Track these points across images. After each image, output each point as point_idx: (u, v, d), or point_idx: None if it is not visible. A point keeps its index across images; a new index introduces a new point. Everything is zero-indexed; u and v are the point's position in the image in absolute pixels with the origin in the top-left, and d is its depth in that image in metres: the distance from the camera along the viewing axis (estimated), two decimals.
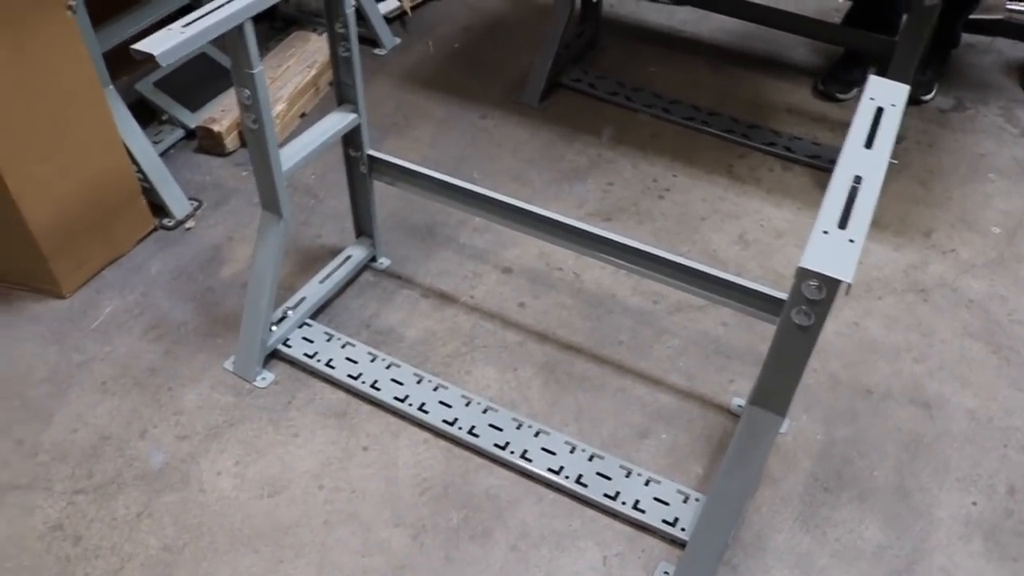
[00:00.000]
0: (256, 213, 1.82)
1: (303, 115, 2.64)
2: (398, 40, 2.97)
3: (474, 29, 3.07)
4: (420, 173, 1.95)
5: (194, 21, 1.48)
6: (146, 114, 2.54)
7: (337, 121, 1.90)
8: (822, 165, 2.50)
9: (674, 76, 2.87)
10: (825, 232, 1.24)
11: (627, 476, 1.74)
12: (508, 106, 2.72)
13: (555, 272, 2.20)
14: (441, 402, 1.87)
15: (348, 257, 2.14)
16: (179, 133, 2.54)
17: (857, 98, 1.49)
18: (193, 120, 2.53)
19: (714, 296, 1.73)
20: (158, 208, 2.29)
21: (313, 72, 2.65)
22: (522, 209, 1.87)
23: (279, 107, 2.52)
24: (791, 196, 2.44)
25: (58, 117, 1.93)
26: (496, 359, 2.00)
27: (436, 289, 2.15)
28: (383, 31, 2.90)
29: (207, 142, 2.49)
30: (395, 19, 3.02)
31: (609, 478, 1.74)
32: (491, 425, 1.83)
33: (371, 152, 1.99)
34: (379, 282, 2.17)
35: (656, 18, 3.16)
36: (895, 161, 2.53)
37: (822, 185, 2.47)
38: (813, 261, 1.20)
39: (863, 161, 1.35)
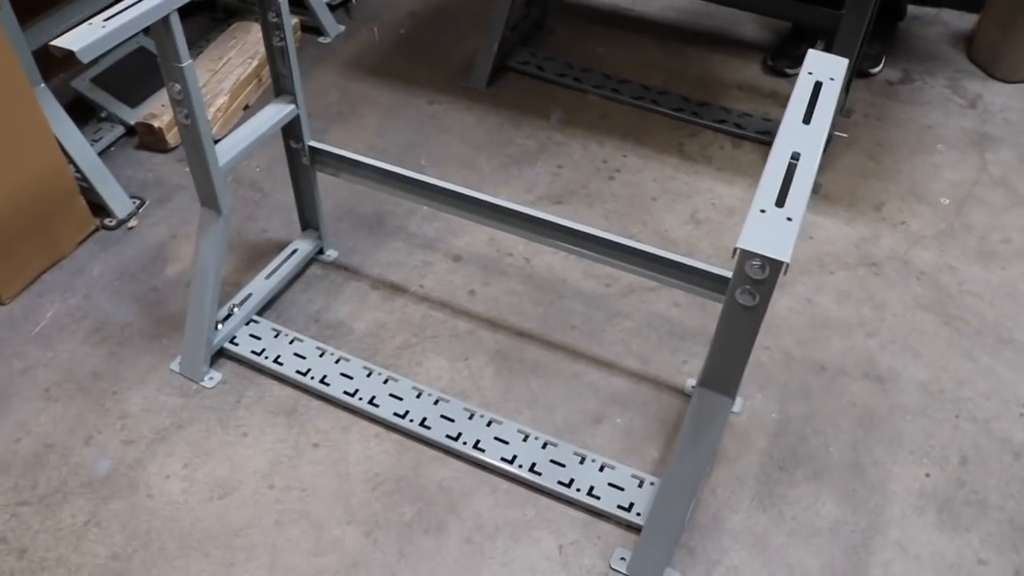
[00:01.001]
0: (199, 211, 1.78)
1: (246, 107, 2.59)
2: (342, 28, 2.92)
3: (420, 15, 3.02)
4: (363, 163, 1.91)
5: (117, 14, 1.43)
6: (85, 112, 2.48)
7: (275, 113, 1.86)
8: (771, 140, 2.48)
9: (623, 56, 2.84)
10: (763, 211, 1.22)
11: (581, 463, 1.73)
12: (456, 91, 2.68)
13: (505, 258, 2.18)
14: (392, 395, 1.85)
15: (294, 251, 2.11)
16: (119, 130, 2.47)
17: None
18: (133, 116, 2.47)
19: (664, 278, 1.72)
20: (99, 208, 2.24)
21: (255, 63, 2.59)
22: (469, 196, 1.84)
23: (220, 100, 2.46)
24: (741, 173, 2.43)
25: None
26: (447, 349, 1.97)
27: (385, 280, 2.12)
28: (327, 19, 2.85)
29: (148, 138, 2.43)
30: (339, 6, 2.96)
31: (563, 465, 1.72)
32: (443, 416, 1.81)
33: (312, 143, 1.95)
34: (327, 275, 2.13)
35: None
36: (844, 135, 2.53)
37: None
38: (751, 241, 1.18)
39: (801, 137, 1.34)
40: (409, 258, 2.17)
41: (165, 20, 1.50)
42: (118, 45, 2.47)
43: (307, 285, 2.11)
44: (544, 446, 1.75)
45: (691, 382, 1.91)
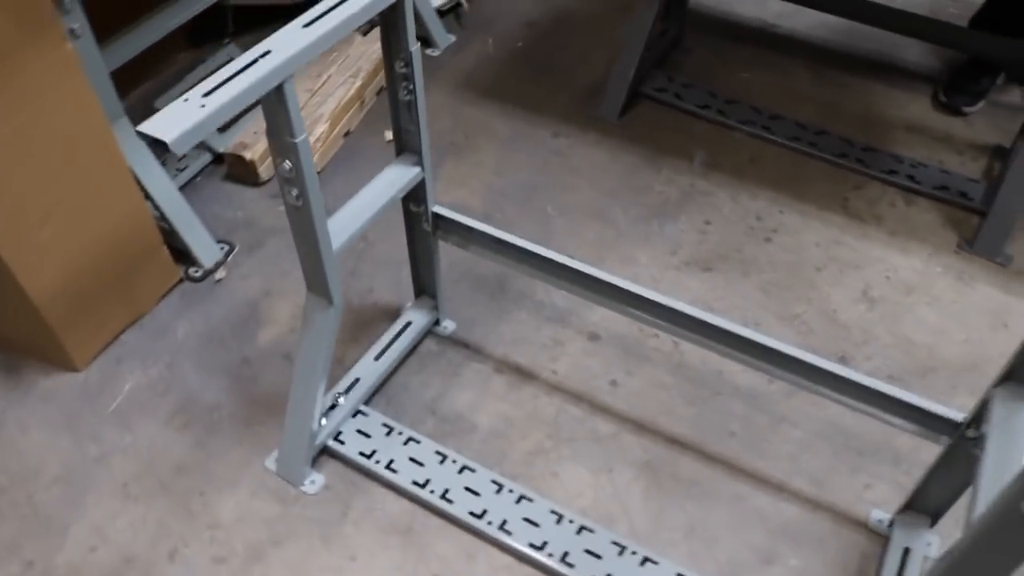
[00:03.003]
0: (296, 260, 1.49)
1: (347, 134, 2.29)
2: (453, 38, 2.59)
3: (539, 25, 2.68)
4: (496, 238, 1.62)
5: (218, 87, 1.13)
6: None
7: (398, 177, 1.56)
8: (950, 198, 2.14)
9: (770, 83, 2.48)
10: None
11: None
12: (582, 121, 2.35)
13: (650, 340, 1.87)
14: (526, 519, 1.56)
15: (407, 324, 1.82)
16: (206, 158, 2.20)
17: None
18: (222, 143, 2.19)
19: (852, 403, 1.43)
20: (182, 254, 1.97)
21: (358, 83, 2.28)
22: (617, 287, 1.54)
23: (320, 128, 2.17)
24: (918, 238, 2.08)
25: (59, 168, 1.60)
26: (587, 456, 1.68)
27: (511, 362, 1.83)
28: (436, 29, 2.52)
29: (238, 170, 2.15)
30: (449, 12, 2.63)
31: None
32: (587, 551, 1.52)
33: (437, 209, 1.65)
34: (443, 352, 1.84)
35: (746, 10, 2.76)
36: None
37: (953, 223, 2.11)
38: None
39: None
40: (537, 334, 1.88)
41: (279, 88, 1.20)
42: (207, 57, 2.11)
43: (421, 364, 1.82)
44: None
45: (877, 515, 1.60)
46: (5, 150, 1.48)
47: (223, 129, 2.21)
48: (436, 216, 1.66)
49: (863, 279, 2.00)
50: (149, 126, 1.08)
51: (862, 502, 1.63)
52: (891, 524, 1.58)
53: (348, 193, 1.51)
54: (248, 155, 2.10)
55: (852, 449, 1.70)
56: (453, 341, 1.86)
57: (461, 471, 1.62)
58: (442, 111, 2.37)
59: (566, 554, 1.52)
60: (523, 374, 1.81)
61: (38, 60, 1.48)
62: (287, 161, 1.29)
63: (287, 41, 1.20)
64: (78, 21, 1.67)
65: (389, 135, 2.29)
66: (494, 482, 1.61)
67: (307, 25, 1.24)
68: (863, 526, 1.60)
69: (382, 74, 2.31)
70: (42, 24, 1.48)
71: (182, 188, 2.11)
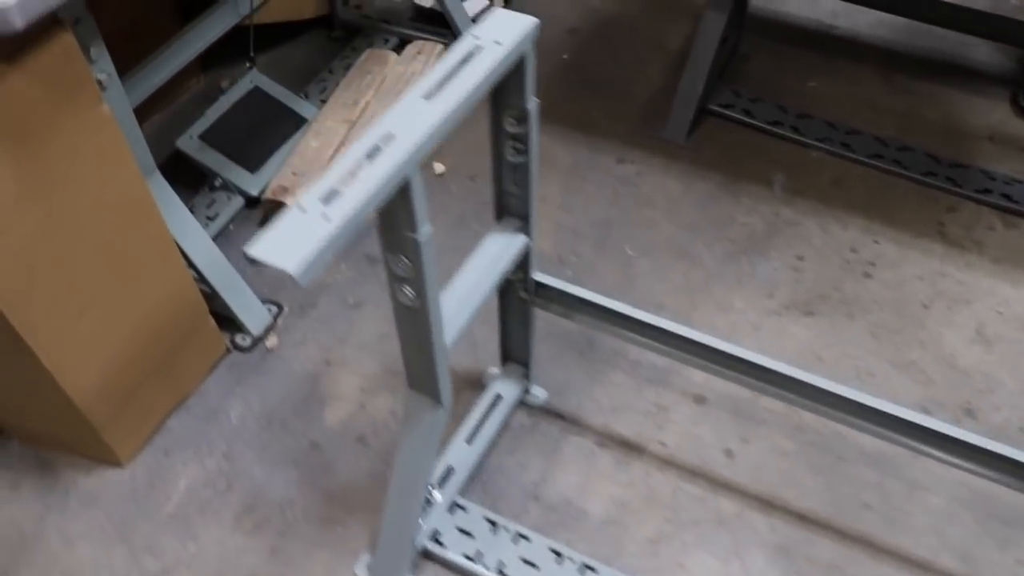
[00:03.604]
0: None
1: None
2: None
3: (583, 32, 2.46)
4: (607, 308, 1.43)
5: (336, 194, 0.92)
6: (190, 176, 1.96)
7: (503, 249, 1.35)
8: None
9: (840, 93, 2.30)
10: None
11: None
12: (647, 144, 2.15)
13: (761, 399, 1.69)
14: None
15: (497, 398, 1.62)
16: (238, 202, 1.95)
17: None
18: (255, 184, 1.95)
19: (993, 475, 1.31)
20: (226, 320, 1.74)
21: None
22: (744, 359, 1.38)
23: None
24: (1023, 266, 1.93)
25: (99, 245, 1.36)
26: (713, 541, 1.51)
27: (613, 433, 1.64)
28: None
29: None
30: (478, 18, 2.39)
31: None
32: None
33: (539, 277, 1.45)
34: (537, 425, 1.65)
35: (799, 9, 2.56)
36: None
37: None
38: None
39: None
40: (638, 399, 1.69)
41: (407, 182, 0.98)
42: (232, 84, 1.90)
43: (515, 442, 1.63)
44: None
45: None
46: (41, 234, 1.25)
47: (254, 168, 1.96)
48: (538, 285, 1.46)
49: (975, 316, 1.84)
50: (263, 251, 0.87)
51: None
52: None
53: None
54: (290, 201, 1.86)
55: (997, 517, 1.55)
56: (546, 411, 1.67)
57: (582, 572, 1.44)
58: None
59: None
60: (629, 447, 1.62)
61: (73, 127, 1.24)
62: (404, 257, 1.08)
63: (409, 120, 0.99)
64: (106, 70, 1.42)
65: (438, 167, 2.07)
66: None
67: (428, 97, 1.02)
68: None
69: None
70: (77, 85, 1.24)
71: (215, 239, 1.88)
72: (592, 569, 1.44)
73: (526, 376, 1.65)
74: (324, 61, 2.27)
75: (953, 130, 2.22)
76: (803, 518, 1.55)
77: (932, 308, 1.85)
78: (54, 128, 1.21)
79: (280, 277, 1.81)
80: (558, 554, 1.46)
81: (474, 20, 2.32)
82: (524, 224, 1.36)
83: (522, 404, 1.67)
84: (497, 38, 1.09)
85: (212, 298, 1.71)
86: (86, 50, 1.32)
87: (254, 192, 1.94)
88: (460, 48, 1.08)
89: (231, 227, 1.95)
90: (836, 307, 1.84)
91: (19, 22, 1.05)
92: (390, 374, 1.70)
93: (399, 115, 1.00)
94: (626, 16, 2.51)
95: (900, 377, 1.74)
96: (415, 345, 1.21)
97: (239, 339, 1.74)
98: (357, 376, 1.71)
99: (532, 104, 1.21)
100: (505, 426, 1.64)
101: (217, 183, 1.94)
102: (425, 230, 1.03)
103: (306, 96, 2.16)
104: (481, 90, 1.05)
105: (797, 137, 2.14)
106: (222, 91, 2.13)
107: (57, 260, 1.29)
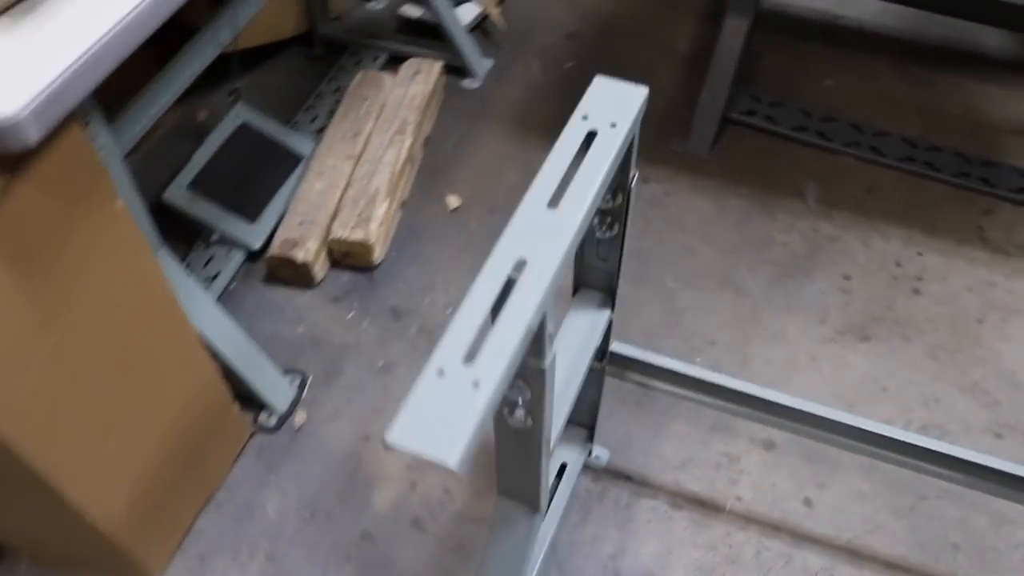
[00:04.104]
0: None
1: (403, 204, 1.89)
2: (491, 62, 2.18)
3: (583, 36, 2.30)
4: (687, 376, 1.31)
5: (478, 348, 0.77)
6: (178, 226, 1.75)
7: (590, 330, 1.21)
8: None
9: (857, 90, 2.20)
10: None
11: None
12: (670, 159, 2.02)
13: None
14: None
15: (563, 467, 1.49)
16: (238, 257, 1.77)
17: None
18: (255, 235, 1.76)
19: None
20: (246, 399, 1.57)
21: (407, 141, 1.88)
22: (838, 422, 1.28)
23: (380, 209, 1.76)
24: None
25: (123, 353, 1.18)
26: None
27: (685, 492, 1.53)
28: (472, 53, 2.12)
29: (286, 272, 1.73)
30: (475, 28, 2.22)
31: None
32: None
33: (616, 348, 1.32)
34: (605, 490, 1.53)
35: (802, 0, 2.44)
36: None
37: None
38: None
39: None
40: (705, 450, 1.58)
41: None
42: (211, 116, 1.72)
43: (585, 512, 1.50)
44: None
45: None
46: (60, 359, 1.06)
47: (253, 217, 1.78)
48: (614, 356, 1.33)
49: None
50: (405, 437, 0.72)
51: None
52: None
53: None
54: (300, 256, 1.68)
55: None
56: (612, 474, 1.55)
57: None
58: (505, 163, 1.98)
59: None
60: (704, 506, 1.52)
61: (87, 230, 1.06)
62: (527, 387, 0.93)
63: (538, 238, 0.84)
64: (101, 133, 1.23)
65: (452, 201, 1.90)
66: None
67: (553, 204, 0.88)
68: None
69: (428, 122, 1.92)
70: (91, 185, 1.05)
71: (218, 299, 1.70)
72: None
73: (589, 438, 1.52)
74: (309, 84, 2.07)
75: (976, 124, 2.14)
76: (893, 566, 1.47)
77: (986, 322, 1.78)
78: (67, 236, 1.03)
79: (297, 340, 1.65)
80: None
81: (470, 30, 2.15)
82: (607, 297, 1.23)
83: (585, 467, 1.55)
84: (611, 119, 0.95)
85: (228, 373, 1.53)
86: (96, 142, 1.13)
87: (256, 245, 1.76)
88: (573, 135, 0.93)
89: (233, 285, 1.76)
90: (891, 329, 1.76)
91: (34, 135, 0.86)
92: None
93: (524, 231, 0.85)
94: (626, 17, 2.36)
95: (966, 400, 1.67)
96: (518, 462, 1.07)
97: (263, 419, 1.57)
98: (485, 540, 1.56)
99: (634, 178, 1.07)
100: (573, 495, 1.51)
101: (214, 238, 1.74)
102: (551, 360, 0.89)
103: (296, 127, 1.96)
104: (607, 185, 0.91)
105: (824, 143, 2.03)
106: (201, 125, 1.93)
107: (79, 383, 1.11)
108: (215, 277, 1.71)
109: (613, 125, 0.95)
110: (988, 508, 1.53)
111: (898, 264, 1.86)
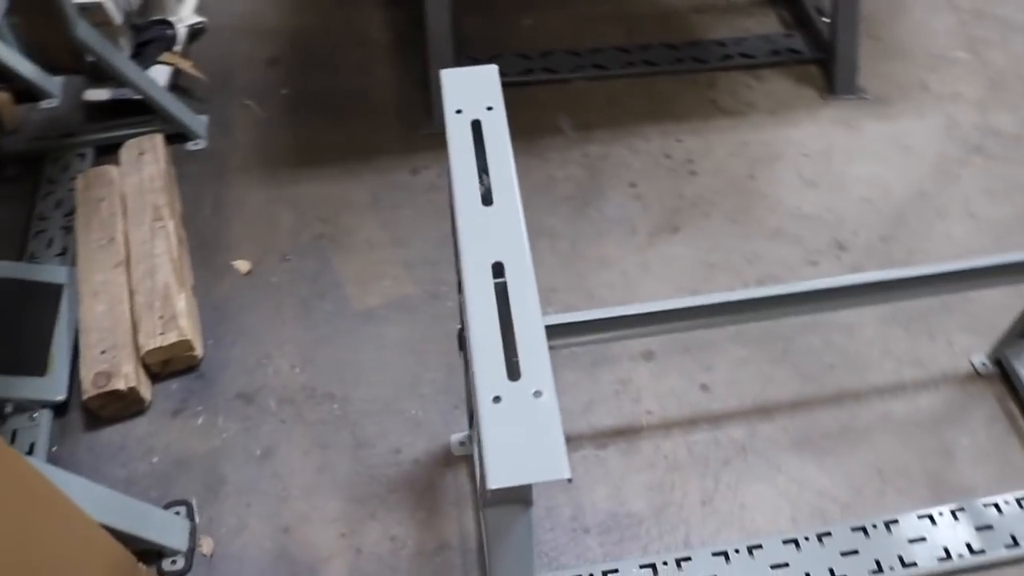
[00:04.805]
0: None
1: (193, 289, 1.73)
2: (205, 118, 2.03)
3: (283, 59, 2.20)
4: (562, 326, 1.32)
5: (515, 358, 0.79)
6: None
7: None
8: (786, 60, 2.21)
9: (555, 20, 2.32)
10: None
11: None
12: (426, 144, 2.00)
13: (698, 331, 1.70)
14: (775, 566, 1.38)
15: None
16: (46, 418, 1.53)
17: None
18: (54, 388, 1.54)
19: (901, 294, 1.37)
20: (141, 554, 1.37)
21: (170, 224, 1.72)
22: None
23: (180, 302, 1.61)
24: (791, 107, 2.12)
25: None
26: (750, 470, 1.53)
27: (602, 430, 1.57)
28: (184, 115, 1.96)
29: (111, 408, 1.53)
30: (173, 88, 2.04)
31: None
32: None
33: None
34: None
35: None
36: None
37: (805, 79, 2.18)
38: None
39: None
40: (598, 386, 1.62)
41: None
42: None
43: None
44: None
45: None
46: None
47: (42, 371, 1.55)
48: None
49: (788, 166, 2.00)
50: (509, 474, 0.69)
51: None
52: None
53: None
54: (122, 384, 1.49)
55: (907, 317, 1.73)
56: None
57: (679, 566, 1.38)
58: (274, 206, 1.88)
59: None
60: (625, 434, 1.57)
61: None
62: None
63: (496, 238, 0.86)
64: None
65: (242, 266, 1.78)
66: (714, 555, 1.39)
67: (487, 203, 0.88)
68: None
69: (175, 199, 1.79)
70: None
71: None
72: (687, 559, 1.39)
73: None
74: (20, 210, 1.83)
75: (664, 15, 2.34)
76: (796, 404, 1.61)
77: (757, 176, 1.97)
78: None
79: (160, 473, 1.48)
80: (651, 566, 1.38)
81: (168, 90, 1.99)
82: None
83: None
84: (483, 103, 0.95)
85: (119, 540, 1.34)
86: None
87: (59, 396, 1.53)
88: (460, 132, 0.91)
89: (55, 448, 1.53)
90: (691, 213, 1.90)
91: None
92: (359, 501, 1.47)
93: (477, 236, 0.83)
94: (312, 26, 2.30)
95: (776, 245, 1.84)
96: None
97: (168, 566, 1.40)
98: (326, 524, 1.45)
99: None
100: None
101: (8, 410, 1.50)
102: None
103: (34, 258, 1.73)
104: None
105: (554, 76, 2.13)
106: None
107: None
108: (30, 450, 1.48)
109: (490, 108, 0.94)
110: (837, 323, 1.71)
111: (667, 156, 2.01)
